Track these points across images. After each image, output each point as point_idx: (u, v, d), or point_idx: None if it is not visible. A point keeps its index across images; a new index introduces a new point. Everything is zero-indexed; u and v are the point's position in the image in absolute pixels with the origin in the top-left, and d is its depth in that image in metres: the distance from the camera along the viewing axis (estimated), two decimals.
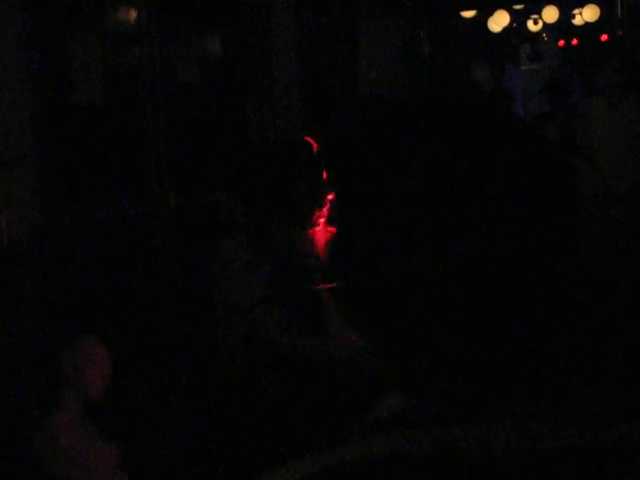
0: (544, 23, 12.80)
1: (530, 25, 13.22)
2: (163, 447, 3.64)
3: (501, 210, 4.47)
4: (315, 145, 3.09)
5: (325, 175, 3.07)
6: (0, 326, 3.84)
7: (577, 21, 12.74)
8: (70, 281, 4.30)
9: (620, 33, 12.16)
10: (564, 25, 13.06)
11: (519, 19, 13.02)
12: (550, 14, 12.15)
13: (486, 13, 12.43)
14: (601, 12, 12.09)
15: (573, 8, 12.55)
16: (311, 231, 3.09)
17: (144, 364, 4.09)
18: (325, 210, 3.08)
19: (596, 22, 12.34)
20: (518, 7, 12.62)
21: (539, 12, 12.52)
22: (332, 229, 3.14)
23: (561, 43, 14.74)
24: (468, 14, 12.40)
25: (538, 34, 13.95)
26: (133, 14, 5.33)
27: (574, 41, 14.44)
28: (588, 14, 12.16)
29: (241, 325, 2.91)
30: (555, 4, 12.05)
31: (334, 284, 3.08)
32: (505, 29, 12.66)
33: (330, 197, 3.09)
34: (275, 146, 3.17)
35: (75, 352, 3.22)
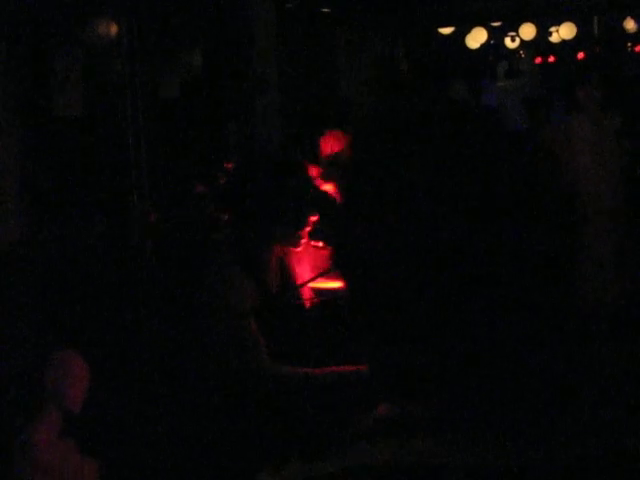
0: (521, 40, 12.90)
1: (507, 42, 13.33)
2: (144, 461, 3.62)
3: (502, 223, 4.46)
4: (306, 165, 3.09)
5: (310, 193, 3.07)
6: None
7: (554, 39, 12.86)
8: (50, 294, 4.29)
9: (597, 50, 12.28)
10: (541, 42, 13.17)
11: (496, 36, 13.12)
12: (527, 31, 12.24)
13: (463, 30, 12.51)
14: (578, 30, 12.20)
15: (550, 26, 12.67)
16: (294, 249, 3.10)
17: (125, 377, 4.07)
18: (306, 229, 3.08)
19: (573, 40, 12.45)
20: (496, 24, 12.71)
21: (516, 29, 12.61)
22: (317, 243, 3.15)
23: (538, 60, 14.88)
24: (446, 31, 12.48)
25: (515, 51, 14.07)
26: (114, 28, 5.33)
27: (551, 58, 14.58)
28: (565, 32, 12.26)
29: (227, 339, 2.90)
30: (532, 22, 12.14)
31: (320, 299, 3.09)
32: (482, 46, 12.75)
33: (314, 219, 3.08)
34: (264, 163, 3.16)
35: (54, 365, 3.20)
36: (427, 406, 1.28)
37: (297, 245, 3.10)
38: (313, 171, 3.12)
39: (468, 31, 12.39)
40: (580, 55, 13.42)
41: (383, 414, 2.20)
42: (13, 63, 4.61)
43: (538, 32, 12.30)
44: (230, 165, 3.04)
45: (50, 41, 4.94)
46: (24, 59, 4.72)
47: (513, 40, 13.19)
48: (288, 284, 3.16)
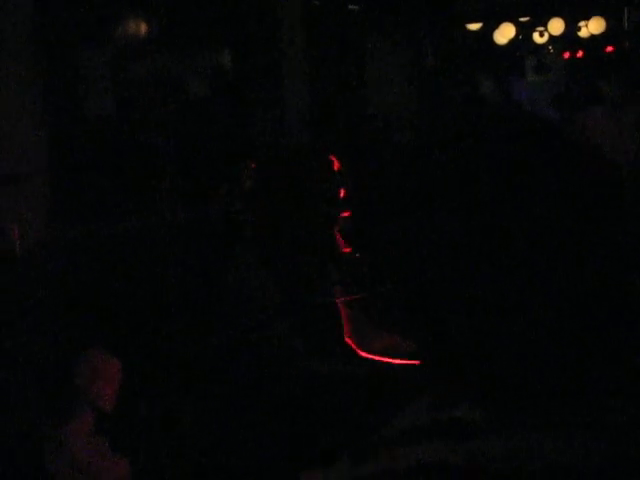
0: (550, 35, 12.79)
1: (536, 37, 13.22)
2: (173, 460, 3.63)
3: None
4: (336, 163, 3.07)
5: (343, 193, 3.06)
6: (11, 338, 3.85)
7: (583, 33, 12.73)
8: (81, 294, 4.31)
9: (626, 45, 12.17)
10: (570, 37, 13.05)
11: (525, 31, 13.02)
12: (556, 26, 12.14)
13: (492, 26, 12.44)
14: (607, 24, 12.09)
15: (579, 20, 12.55)
16: (327, 244, 3.09)
17: (155, 377, 4.09)
18: (339, 225, 3.08)
19: (602, 34, 12.34)
20: (524, 19, 12.62)
21: (545, 24, 12.51)
22: (346, 243, 3.14)
23: (566, 55, 14.75)
24: (474, 27, 12.41)
25: (544, 46, 13.96)
26: (144, 28, 5.36)
27: (579, 53, 14.45)
28: (594, 26, 12.16)
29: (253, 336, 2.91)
30: (561, 16, 12.04)
31: (359, 295, 3.09)
32: (511, 41, 12.66)
33: (346, 214, 3.08)
34: (293, 160, 3.14)
35: (86, 365, 3.22)
36: (482, 408, 1.27)
37: (327, 244, 3.10)
38: (335, 165, 3.11)
39: (496, 27, 12.32)
40: (609, 49, 13.31)
41: (434, 414, 2.20)
42: (44, 63, 4.65)
43: (567, 27, 12.19)
44: (254, 165, 3.01)
45: (81, 41, 4.97)
46: (55, 59, 4.75)
47: (542, 35, 13.08)
48: (317, 282, 3.15)
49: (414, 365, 2.91)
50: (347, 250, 3.20)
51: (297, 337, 2.95)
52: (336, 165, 3.10)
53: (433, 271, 3.60)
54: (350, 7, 9.16)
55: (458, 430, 1.39)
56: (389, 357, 3.18)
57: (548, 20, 12.23)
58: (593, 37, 12.58)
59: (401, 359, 3.09)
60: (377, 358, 3.23)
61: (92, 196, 4.92)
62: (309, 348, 2.97)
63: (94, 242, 4.73)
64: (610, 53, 12.76)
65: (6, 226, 4.19)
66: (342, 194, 3.08)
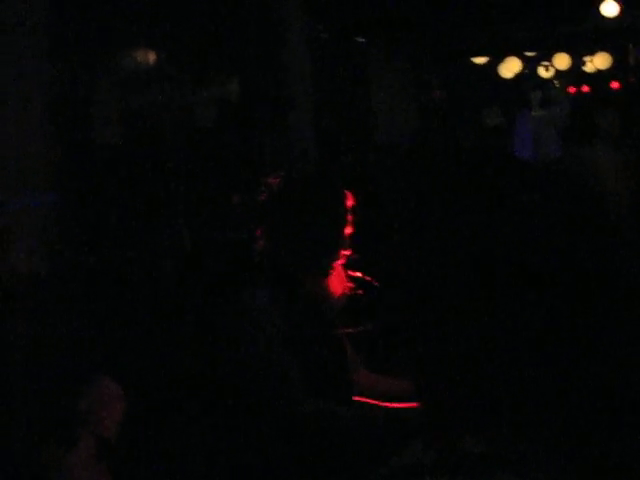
0: (555, 70, 12.86)
1: (541, 72, 13.28)
2: None
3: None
4: (350, 197, 3.04)
5: (349, 230, 3.03)
6: (12, 363, 3.84)
7: (588, 68, 12.79)
8: (85, 320, 4.31)
9: (631, 80, 12.23)
10: (575, 72, 13.11)
11: (530, 65, 13.09)
12: (562, 61, 12.21)
13: (497, 59, 12.50)
14: (613, 60, 12.15)
15: (584, 55, 12.62)
16: (330, 274, 3.06)
17: (159, 403, 4.08)
18: (343, 253, 3.05)
19: (607, 70, 12.40)
20: (530, 54, 12.69)
21: (550, 59, 12.58)
22: (352, 273, 3.12)
23: (572, 90, 14.82)
24: (479, 60, 12.49)
25: (549, 81, 14.02)
26: (152, 57, 5.40)
27: (585, 88, 14.52)
28: (600, 61, 12.22)
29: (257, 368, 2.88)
30: (566, 51, 12.11)
31: (359, 328, 3.07)
32: (516, 75, 12.73)
33: (346, 253, 3.05)
34: (309, 187, 3.10)
35: (89, 392, 3.21)
36: (483, 442, 1.26)
37: (331, 271, 3.08)
38: (350, 201, 3.08)
39: (502, 60, 12.39)
40: (614, 85, 13.36)
41: (437, 450, 2.18)
42: (55, 92, 4.68)
43: (572, 62, 12.26)
44: (275, 181, 2.99)
45: (90, 70, 5.01)
46: (65, 88, 4.78)
47: (547, 70, 13.15)
48: (322, 312, 3.13)
49: (410, 408, 2.87)
50: (349, 285, 3.17)
51: (296, 371, 2.91)
52: (350, 202, 3.07)
53: (434, 308, 3.57)
54: (357, 40, 9.23)
55: (464, 465, 1.37)
56: (385, 401, 3.14)
57: (554, 55, 12.29)
58: (599, 72, 12.64)
59: (398, 402, 3.05)
60: (371, 402, 3.19)
61: (100, 224, 4.94)
62: (308, 383, 2.93)
63: (102, 270, 4.73)
64: (616, 89, 12.83)
65: (14, 256, 4.20)
66: (349, 231, 3.06)
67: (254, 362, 2.87)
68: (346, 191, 3.04)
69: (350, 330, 3.12)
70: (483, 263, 1.30)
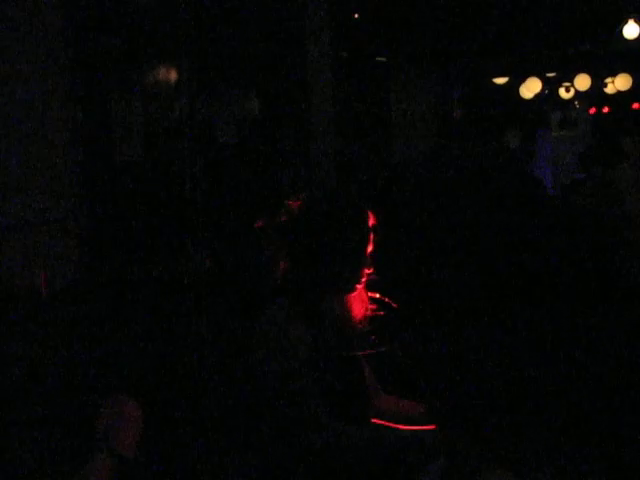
0: (576, 91, 12.82)
1: (562, 92, 13.25)
2: None
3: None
4: (371, 216, 3.05)
5: (370, 249, 3.03)
6: (33, 378, 3.85)
7: (609, 90, 12.76)
8: (103, 336, 4.32)
9: None
10: (596, 93, 13.08)
11: (551, 86, 13.06)
12: (582, 82, 12.17)
13: (518, 79, 12.49)
14: (633, 81, 12.11)
15: (605, 77, 12.59)
16: (350, 295, 3.06)
17: (179, 422, 4.08)
18: (365, 274, 3.05)
19: (628, 90, 12.36)
20: (550, 75, 12.67)
21: (571, 80, 12.55)
22: (372, 294, 3.12)
23: (592, 111, 14.78)
24: (500, 81, 12.48)
25: (570, 101, 13.99)
26: (174, 75, 5.42)
27: (605, 109, 14.48)
28: (620, 83, 12.19)
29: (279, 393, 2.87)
30: (587, 72, 12.08)
31: (377, 349, 3.05)
32: (537, 96, 12.71)
33: (368, 271, 3.05)
34: (329, 209, 3.11)
35: (107, 409, 3.20)
36: (482, 442, 1.25)
37: (352, 291, 3.07)
38: (371, 220, 3.08)
39: (522, 81, 12.37)
40: (635, 106, 13.33)
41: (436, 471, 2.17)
42: (76, 108, 4.71)
43: (593, 83, 12.22)
44: (296, 204, 3.00)
45: (112, 87, 5.03)
46: (86, 104, 4.81)
47: (568, 90, 13.12)
48: (344, 333, 3.12)
49: (428, 430, 2.84)
50: (371, 306, 3.16)
51: (318, 394, 2.90)
52: (372, 221, 3.07)
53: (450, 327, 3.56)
54: (377, 59, 9.25)
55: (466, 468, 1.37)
56: (404, 424, 3.12)
57: (574, 76, 12.26)
58: (619, 93, 12.60)
59: (417, 425, 3.03)
60: (387, 424, 3.16)
61: (122, 242, 4.95)
62: (328, 406, 2.91)
63: (122, 286, 4.74)
64: (637, 109, 12.79)
65: (34, 272, 4.22)
66: (370, 250, 3.06)
67: (275, 383, 2.86)
68: (367, 210, 3.04)
69: (369, 351, 3.11)
70: (498, 281, 1.31)
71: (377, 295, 3.13)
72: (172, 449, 3.81)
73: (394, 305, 3.09)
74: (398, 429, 3.06)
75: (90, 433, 3.03)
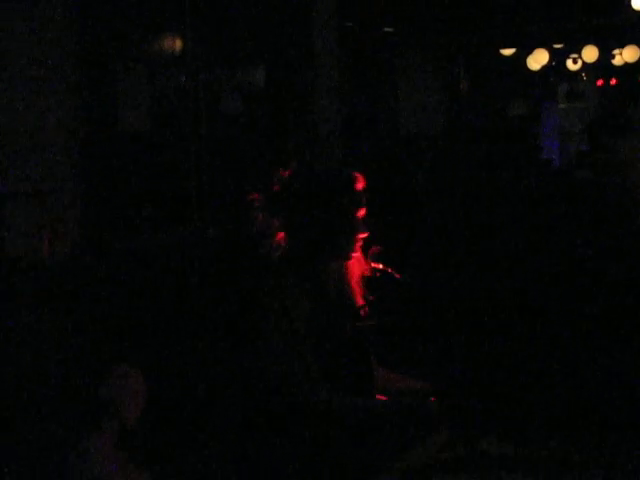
0: (583, 63, 12.76)
1: (569, 64, 13.18)
2: (196, 474, 3.63)
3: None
4: (361, 179, 3.05)
5: (363, 212, 3.04)
6: (36, 349, 3.86)
7: (617, 61, 12.68)
8: (107, 307, 4.33)
9: None
10: (603, 65, 13.01)
11: (558, 58, 12.99)
12: (590, 54, 12.11)
13: (525, 51, 12.42)
14: None
15: (613, 48, 12.51)
16: (348, 263, 3.07)
17: (180, 392, 4.09)
18: (359, 244, 3.07)
19: (636, 62, 12.29)
20: (557, 46, 12.59)
21: (579, 51, 12.48)
22: (378, 265, 3.13)
23: (599, 83, 14.71)
24: (507, 52, 12.40)
25: (577, 73, 13.92)
26: (178, 45, 5.39)
27: (613, 81, 14.41)
28: (628, 54, 12.12)
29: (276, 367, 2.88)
30: (595, 44, 12.01)
31: (373, 322, 3.06)
32: (544, 67, 12.64)
33: (363, 236, 3.06)
34: (317, 175, 3.12)
35: (110, 380, 3.22)
36: (501, 443, 1.25)
37: (348, 258, 3.08)
38: (361, 183, 3.08)
39: (529, 52, 12.31)
40: None
41: (448, 450, 2.15)
42: (79, 79, 4.69)
43: (601, 55, 12.16)
44: (286, 173, 3.00)
45: (116, 57, 5.01)
46: (90, 76, 4.79)
47: (575, 62, 13.04)
48: (344, 303, 3.12)
49: (430, 402, 2.85)
50: (366, 274, 3.18)
51: (314, 358, 2.91)
52: (361, 184, 3.08)
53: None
54: (385, 29, 9.19)
55: (481, 464, 1.35)
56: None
57: (582, 47, 12.19)
58: (627, 65, 12.54)
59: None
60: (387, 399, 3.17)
61: (123, 210, 4.95)
62: (327, 373, 2.92)
63: (125, 257, 4.75)
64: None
65: (37, 237, 4.23)
66: (362, 214, 3.06)
67: (273, 349, 2.87)
68: (357, 174, 3.05)
69: (370, 323, 3.12)
70: (499, 258, 1.31)
71: (380, 266, 3.14)
72: (173, 418, 3.83)
73: (397, 275, 3.10)
74: (402, 400, 3.08)
75: (96, 402, 3.05)
